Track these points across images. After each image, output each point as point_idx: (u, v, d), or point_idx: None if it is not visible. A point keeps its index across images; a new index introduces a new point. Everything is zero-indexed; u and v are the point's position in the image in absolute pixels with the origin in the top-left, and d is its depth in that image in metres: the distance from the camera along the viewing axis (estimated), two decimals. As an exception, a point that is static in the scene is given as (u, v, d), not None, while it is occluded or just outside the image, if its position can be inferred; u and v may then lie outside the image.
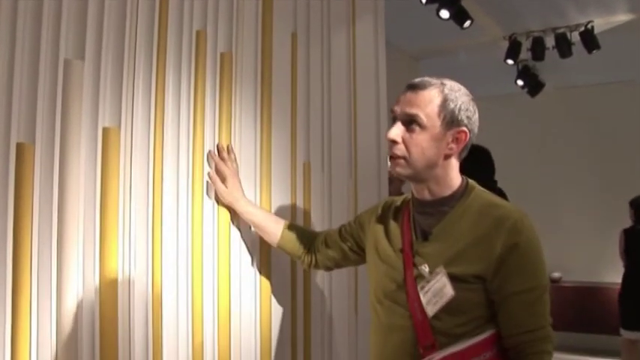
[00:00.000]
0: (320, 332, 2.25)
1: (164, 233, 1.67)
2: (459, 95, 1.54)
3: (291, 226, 1.92)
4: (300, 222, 2.17)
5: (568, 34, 5.14)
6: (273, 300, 2.03)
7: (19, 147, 1.36)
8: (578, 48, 5.06)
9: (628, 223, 6.91)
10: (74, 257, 1.44)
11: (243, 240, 1.93)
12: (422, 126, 1.51)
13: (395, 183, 3.37)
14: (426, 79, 1.55)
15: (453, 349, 1.48)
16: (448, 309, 1.49)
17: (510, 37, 5.31)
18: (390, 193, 3.19)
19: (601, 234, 6.78)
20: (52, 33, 1.43)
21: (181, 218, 1.73)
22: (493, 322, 1.50)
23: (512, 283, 1.47)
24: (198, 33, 1.81)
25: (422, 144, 1.51)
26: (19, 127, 1.37)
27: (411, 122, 1.51)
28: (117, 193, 1.54)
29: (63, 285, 1.41)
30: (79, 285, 1.45)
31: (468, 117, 1.54)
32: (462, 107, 1.53)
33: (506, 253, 1.47)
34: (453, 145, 1.53)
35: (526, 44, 5.31)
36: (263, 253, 2.00)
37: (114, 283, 1.52)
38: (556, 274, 6.83)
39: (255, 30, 2.04)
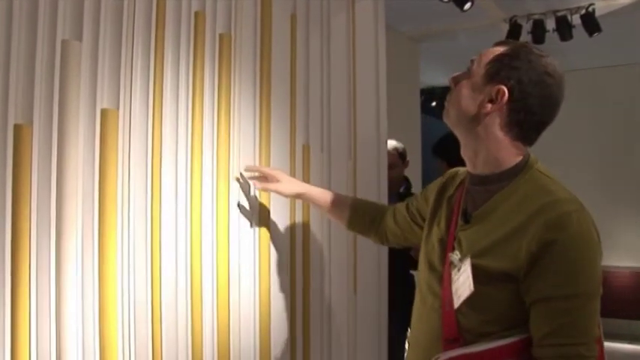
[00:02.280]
0: (319, 314, 2.26)
1: (163, 214, 1.67)
2: (527, 57, 1.35)
3: (357, 207, 1.91)
4: (298, 205, 2.17)
5: (569, 17, 5.10)
6: (272, 279, 2.04)
7: (17, 128, 1.35)
8: (578, 31, 5.03)
9: (628, 207, 6.92)
10: (73, 239, 1.43)
11: (242, 221, 1.93)
12: (470, 73, 1.41)
13: (397, 168, 3.37)
14: (514, 40, 1.43)
15: (466, 349, 1.32)
16: (471, 304, 1.34)
17: (511, 20, 5.27)
18: (391, 178, 3.20)
19: (601, 218, 6.77)
20: (49, 13, 1.42)
21: (180, 199, 1.73)
22: (525, 326, 1.30)
23: (544, 286, 1.26)
24: (196, 14, 1.80)
25: (461, 90, 1.41)
26: (17, 108, 1.36)
27: (468, 70, 1.43)
28: (115, 174, 1.54)
29: (62, 266, 1.41)
30: (78, 267, 1.45)
31: (518, 77, 1.33)
32: (516, 66, 1.34)
33: (542, 251, 1.25)
34: (489, 104, 1.35)
35: (526, 27, 5.27)
36: (262, 232, 2.00)
37: (113, 265, 1.52)
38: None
39: (255, 11, 2.03)
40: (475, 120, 1.38)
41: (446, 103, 1.46)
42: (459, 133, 1.44)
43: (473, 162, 1.43)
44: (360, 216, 1.90)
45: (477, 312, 1.34)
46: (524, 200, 1.33)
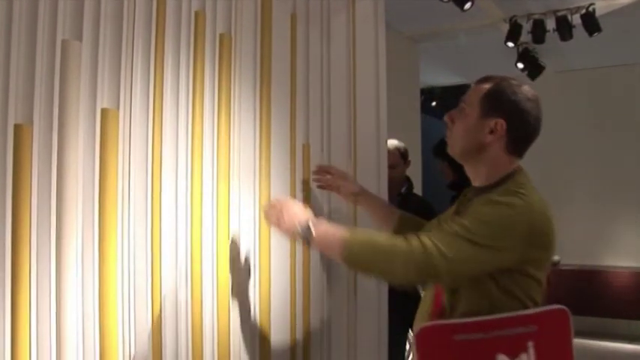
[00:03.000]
0: (319, 314, 2.26)
1: (163, 214, 1.67)
2: (511, 90, 1.62)
3: (404, 222, 2.06)
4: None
5: (569, 17, 5.09)
6: (272, 279, 2.04)
7: (17, 128, 1.35)
8: (578, 31, 5.03)
9: (628, 207, 6.91)
10: (73, 239, 1.43)
11: (242, 221, 1.93)
12: (464, 113, 1.66)
13: (399, 168, 3.37)
14: (493, 75, 1.66)
15: (441, 322, 1.59)
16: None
17: (511, 20, 5.27)
18: (392, 178, 3.19)
19: (601, 218, 6.80)
20: (49, 13, 1.42)
21: (180, 199, 1.72)
22: (491, 309, 1.54)
23: (459, 218, 1.57)
24: (196, 13, 1.80)
25: (459, 128, 1.67)
26: (17, 108, 1.36)
27: (461, 109, 1.68)
28: (116, 174, 1.54)
29: (62, 266, 1.41)
30: (78, 266, 1.45)
31: (509, 109, 1.60)
32: (507, 99, 1.61)
33: (473, 204, 1.59)
34: (489, 135, 1.62)
35: (527, 27, 5.27)
36: (262, 233, 2.00)
37: (113, 265, 1.52)
38: (555, 257, 6.84)
39: (255, 11, 2.03)
40: (479, 150, 1.64)
41: (448, 140, 1.71)
42: (465, 163, 1.71)
43: (474, 178, 1.71)
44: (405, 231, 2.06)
45: (450, 293, 1.61)
46: (491, 195, 1.60)
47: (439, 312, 1.64)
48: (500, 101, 1.61)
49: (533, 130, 1.64)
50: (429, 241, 1.51)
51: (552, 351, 1.55)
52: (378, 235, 1.62)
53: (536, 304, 1.58)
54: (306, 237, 1.62)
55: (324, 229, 1.62)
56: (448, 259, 1.48)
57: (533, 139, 1.67)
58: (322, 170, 2.19)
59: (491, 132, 1.61)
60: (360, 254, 1.57)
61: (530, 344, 1.51)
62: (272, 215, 1.71)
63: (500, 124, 1.60)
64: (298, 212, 1.67)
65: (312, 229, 1.60)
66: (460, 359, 1.53)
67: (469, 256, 1.50)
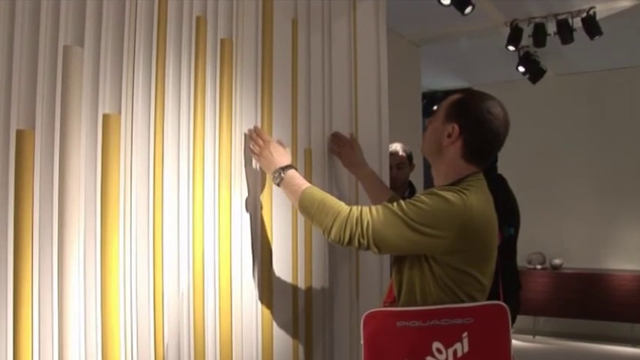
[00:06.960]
0: (321, 317, 2.25)
1: (165, 219, 1.67)
2: (473, 101, 1.77)
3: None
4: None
5: (570, 20, 5.09)
6: (274, 282, 2.04)
7: (19, 134, 1.35)
8: (579, 34, 5.03)
9: (630, 210, 6.90)
10: (75, 244, 1.43)
11: (244, 225, 1.93)
12: (434, 118, 1.84)
13: (405, 169, 3.40)
14: (469, 88, 1.83)
15: (385, 309, 1.77)
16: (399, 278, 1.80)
17: (512, 24, 5.27)
18: (398, 179, 3.20)
19: (603, 221, 6.78)
20: (51, 19, 1.42)
21: (182, 204, 1.73)
22: (429, 301, 1.68)
23: (402, 202, 1.70)
24: (198, 19, 1.80)
25: (428, 131, 1.85)
26: (19, 113, 1.36)
27: (434, 113, 1.86)
28: (118, 179, 1.54)
29: (64, 271, 1.41)
30: (80, 272, 1.45)
31: (467, 117, 1.74)
32: (466, 108, 1.76)
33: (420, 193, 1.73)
34: (447, 139, 1.76)
35: (527, 30, 5.27)
36: (264, 236, 2.00)
37: (115, 269, 1.52)
38: (557, 261, 6.83)
39: (256, 16, 2.03)
40: (439, 151, 1.80)
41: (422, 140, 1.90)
42: (430, 161, 1.88)
43: (436, 178, 1.85)
44: None
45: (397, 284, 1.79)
46: (435, 189, 1.75)
47: (391, 302, 1.82)
48: (459, 109, 1.77)
49: (490, 142, 1.77)
50: (367, 207, 1.70)
51: (487, 343, 1.63)
52: (330, 196, 1.78)
53: (473, 300, 1.68)
54: (275, 179, 1.87)
55: (291, 178, 1.84)
56: (375, 224, 1.65)
57: (492, 150, 1.79)
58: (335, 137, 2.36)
59: (449, 136, 1.76)
60: (307, 203, 1.76)
61: (465, 335, 1.61)
62: (255, 148, 1.92)
63: (455, 128, 1.74)
64: (277, 157, 1.88)
65: (283, 175, 1.84)
66: (399, 343, 1.66)
67: (395, 230, 1.64)
